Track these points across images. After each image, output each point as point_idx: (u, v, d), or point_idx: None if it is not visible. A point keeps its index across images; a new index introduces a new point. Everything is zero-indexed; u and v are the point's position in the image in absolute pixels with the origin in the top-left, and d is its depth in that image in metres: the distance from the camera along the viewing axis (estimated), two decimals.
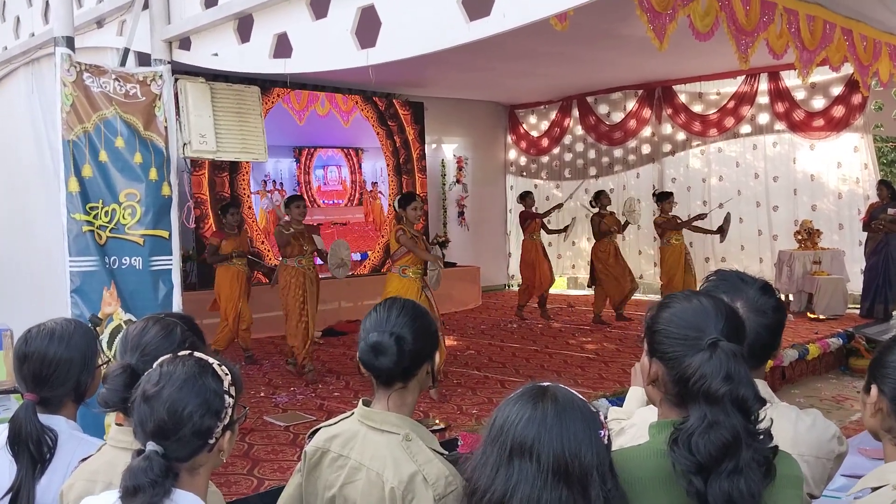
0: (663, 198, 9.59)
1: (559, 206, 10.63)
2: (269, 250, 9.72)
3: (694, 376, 1.41)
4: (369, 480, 1.77)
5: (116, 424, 1.87)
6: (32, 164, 5.33)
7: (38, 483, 1.98)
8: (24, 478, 1.95)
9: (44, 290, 5.25)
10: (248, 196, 9.88)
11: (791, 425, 1.85)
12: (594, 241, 10.03)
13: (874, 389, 1.58)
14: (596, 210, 9.83)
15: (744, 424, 1.37)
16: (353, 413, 1.92)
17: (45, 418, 2.03)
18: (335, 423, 1.94)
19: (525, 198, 10.28)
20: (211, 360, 1.60)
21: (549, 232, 10.39)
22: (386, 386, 1.85)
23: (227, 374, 1.58)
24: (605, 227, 9.70)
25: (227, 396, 1.56)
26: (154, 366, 1.59)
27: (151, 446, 1.48)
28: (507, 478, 1.28)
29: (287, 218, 7.23)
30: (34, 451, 1.96)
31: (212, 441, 1.54)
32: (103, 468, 1.81)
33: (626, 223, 10.00)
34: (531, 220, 10.16)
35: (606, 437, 1.34)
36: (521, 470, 1.27)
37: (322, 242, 7.41)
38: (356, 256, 10.69)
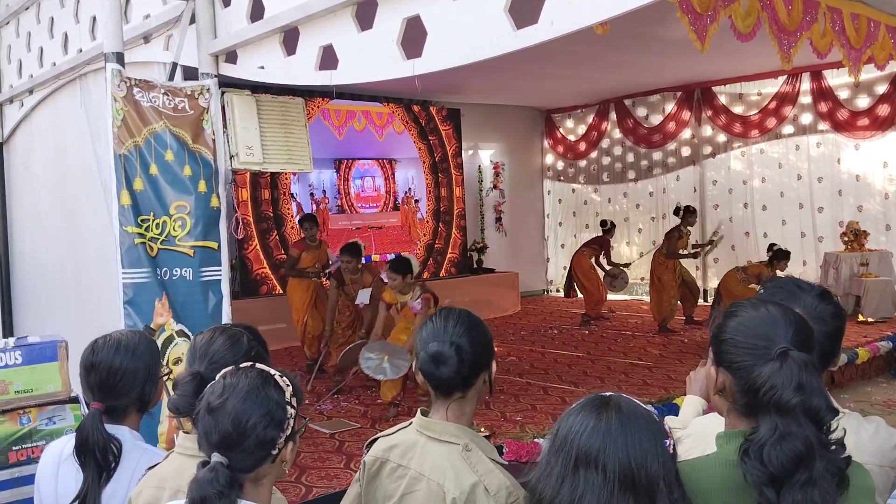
0: (688, 213, 9.39)
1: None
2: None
3: (764, 387, 1.38)
4: (430, 491, 1.78)
5: (184, 432, 1.90)
6: (81, 178, 5.46)
7: (104, 491, 2.02)
8: (90, 486, 1.99)
9: (93, 301, 5.36)
10: (290, 209, 10.08)
11: (853, 433, 1.81)
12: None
13: None
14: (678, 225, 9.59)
15: (816, 435, 1.35)
16: (410, 423, 1.93)
17: (111, 428, 2.07)
18: (393, 434, 1.95)
19: (612, 229, 10.59)
20: (273, 371, 1.62)
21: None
22: (445, 396, 1.85)
23: (288, 385, 1.59)
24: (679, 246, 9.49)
25: (289, 407, 1.56)
26: (217, 377, 1.61)
27: (217, 457, 1.49)
28: (572, 488, 1.27)
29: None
30: (100, 459, 2.00)
31: (275, 452, 1.55)
32: (171, 475, 1.84)
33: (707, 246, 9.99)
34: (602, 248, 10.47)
35: (672, 447, 1.33)
36: (587, 480, 1.27)
37: (334, 257, 7.44)
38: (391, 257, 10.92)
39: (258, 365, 1.63)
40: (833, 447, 1.39)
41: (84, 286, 5.64)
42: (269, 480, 1.59)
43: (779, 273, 8.32)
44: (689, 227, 9.50)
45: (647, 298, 10.66)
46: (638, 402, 1.38)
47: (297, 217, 8.48)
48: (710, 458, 1.48)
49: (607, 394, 1.39)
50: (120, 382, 2.11)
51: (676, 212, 9.67)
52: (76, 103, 5.48)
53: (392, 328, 6.37)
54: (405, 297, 6.07)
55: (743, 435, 1.41)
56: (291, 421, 1.57)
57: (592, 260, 10.46)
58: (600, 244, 10.56)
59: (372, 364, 5.62)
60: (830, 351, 1.89)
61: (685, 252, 9.51)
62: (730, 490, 1.42)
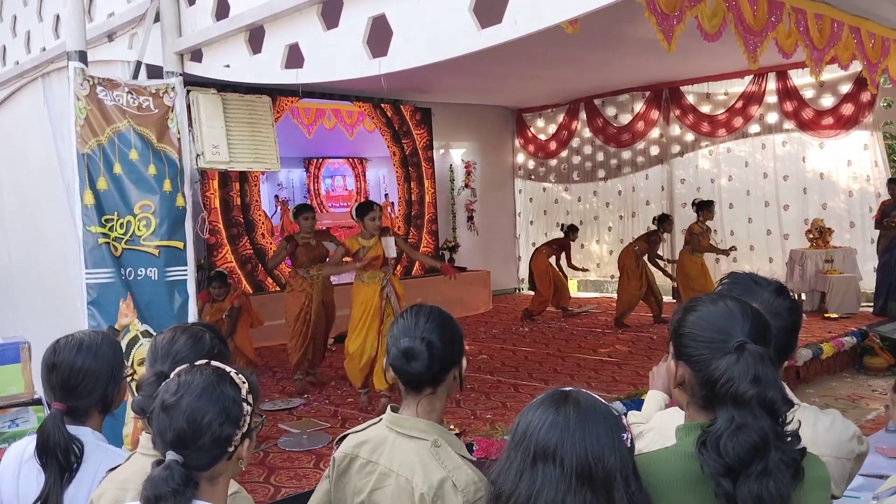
0: (704, 206, 9.36)
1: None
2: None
3: (721, 379, 1.41)
4: (399, 486, 1.79)
5: (146, 433, 1.89)
6: (43, 178, 5.37)
7: (66, 492, 2.00)
8: (52, 487, 1.97)
9: (56, 302, 5.28)
10: (258, 205, 10.02)
11: (810, 426, 1.84)
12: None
13: None
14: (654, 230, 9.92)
15: (772, 426, 1.37)
16: (381, 419, 1.93)
17: (72, 429, 2.05)
18: (363, 430, 1.95)
19: (572, 232, 10.75)
20: (228, 368, 1.61)
21: (658, 266, 10.01)
22: (415, 392, 1.86)
23: (244, 382, 1.59)
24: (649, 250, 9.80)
25: (244, 404, 1.56)
26: (171, 376, 1.60)
27: (171, 455, 1.49)
28: (531, 482, 1.29)
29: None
30: (62, 460, 1.98)
31: (231, 449, 1.54)
32: (134, 476, 1.82)
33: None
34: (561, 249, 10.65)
35: (629, 441, 1.35)
36: (544, 474, 1.29)
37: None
38: None
39: (213, 363, 1.62)
40: (788, 439, 1.41)
41: (47, 287, 5.55)
42: (224, 478, 1.59)
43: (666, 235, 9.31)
44: (666, 234, 9.85)
45: (615, 296, 10.80)
46: (597, 396, 1.39)
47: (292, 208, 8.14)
48: (669, 451, 1.50)
49: (566, 389, 1.41)
50: (82, 383, 2.08)
51: (654, 220, 10.06)
52: (39, 102, 5.39)
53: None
54: (368, 241, 6.26)
55: (701, 427, 1.43)
56: (248, 418, 1.56)
57: (552, 260, 10.63)
58: (560, 245, 10.77)
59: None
60: (787, 345, 1.92)
61: (663, 266, 9.94)
62: (688, 482, 1.44)
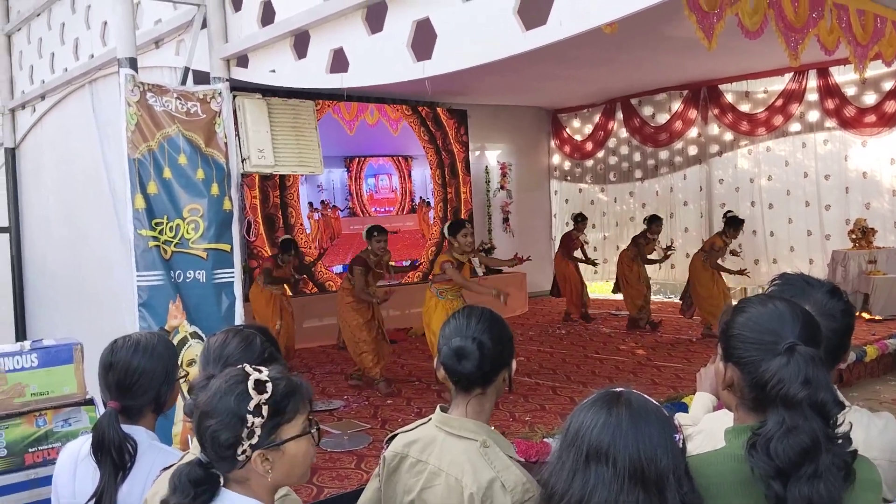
0: (733, 224, 8.91)
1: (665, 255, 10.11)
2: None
3: (771, 381, 1.41)
4: (448, 486, 1.81)
5: None
6: (88, 183, 5.50)
7: (120, 490, 2.05)
8: (106, 484, 2.01)
9: (98, 305, 5.40)
10: (297, 209, 10.10)
11: (863, 429, 1.83)
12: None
13: None
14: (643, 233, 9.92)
15: (823, 429, 1.37)
16: (430, 419, 1.96)
17: (126, 427, 2.09)
18: (413, 429, 1.99)
19: (578, 221, 10.64)
20: (256, 375, 1.58)
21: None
22: (465, 392, 1.89)
23: (263, 393, 1.55)
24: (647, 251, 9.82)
25: (249, 416, 1.53)
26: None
27: (198, 454, 1.59)
28: (583, 482, 1.30)
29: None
30: (116, 457, 2.02)
31: (240, 458, 1.54)
32: None
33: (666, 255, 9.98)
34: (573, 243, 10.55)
35: (682, 441, 1.35)
36: (597, 474, 1.29)
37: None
38: (405, 263, 10.98)
39: (246, 367, 1.62)
40: (839, 441, 1.40)
41: (89, 291, 5.68)
42: (256, 484, 1.58)
43: (733, 241, 8.92)
44: (654, 235, 9.77)
45: (655, 298, 10.75)
46: (648, 397, 1.40)
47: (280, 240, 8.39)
48: (719, 453, 1.51)
49: (618, 389, 1.42)
50: (137, 382, 2.14)
51: (645, 221, 10.10)
52: (86, 108, 5.52)
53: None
54: (463, 258, 6.59)
55: (751, 429, 1.44)
56: (257, 430, 1.54)
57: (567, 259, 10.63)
58: (564, 243, 10.74)
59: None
60: (840, 346, 1.91)
61: (654, 257, 9.92)
62: (738, 484, 1.44)
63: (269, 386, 1.57)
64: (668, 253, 9.87)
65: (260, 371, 1.61)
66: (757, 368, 1.46)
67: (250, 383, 1.56)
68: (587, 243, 11.03)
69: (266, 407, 1.54)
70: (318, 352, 8.82)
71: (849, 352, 1.97)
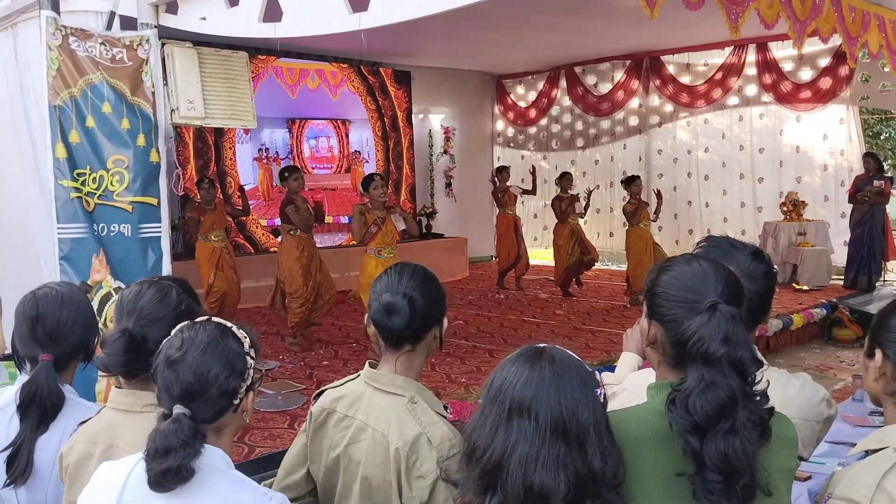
0: (631, 181, 9.22)
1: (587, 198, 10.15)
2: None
3: (692, 338, 1.41)
4: (374, 441, 1.80)
5: (116, 387, 1.88)
6: (7, 131, 5.23)
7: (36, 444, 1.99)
8: (26, 437, 1.98)
9: (20, 257, 5.17)
10: (233, 165, 9.92)
11: (780, 388, 1.87)
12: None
13: (878, 354, 1.59)
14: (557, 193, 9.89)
15: (740, 386, 1.39)
16: (359, 375, 1.94)
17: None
18: (341, 385, 1.96)
19: (500, 172, 10.44)
20: (229, 323, 1.63)
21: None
22: (395, 348, 1.87)
23: (245, 337, 1.62)
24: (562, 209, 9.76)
25: (248, 357, 1.59)
26: (174, 332, 1.61)
27: (179, 409, 1.50)
28: (506, 436, 1.30)
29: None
30: (48, 409, 2.00)
31: (236, 402, 1.58)
32: (103, 430, 1.82)
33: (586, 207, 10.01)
34: (505, 195, 10.35)
35: (603, 396, 1.36)
36: (519, 428, 1.29)
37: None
38: (344, 220, 11.12)
39: (214, 318, 1.64)
40: (757, 398, 1.43)
41: (6, 242, 5.43)
42: (230, 430, 1.62)
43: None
44: (568, 192, 9.74)
45: (596, 266, 10.84)
46: (571, 353, 1.40)
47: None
48: (640, 408, 1.51)
49: (541, 345, 1.41)
50: (69, 332, 2.10)
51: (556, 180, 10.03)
52: (7, 52, 5.23)
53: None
54: (382, 213, 6.51)
55: (671, 385, 1.45)
56: (251, 371, 1.60)
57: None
58: (494, 195, 10.60)
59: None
60: (761, 308, 1.95)
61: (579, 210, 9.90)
62: (658, 439, 1.45)
63: (244, 331, 1.62)
64: (587, 196, 9.96)
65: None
66: (679, 326, 1.47)
67: (234, 329, 1.60)
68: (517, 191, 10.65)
69: (252, 349, 1.61)
70: (254, 312, 8.70)
71: (770, 313, 2.00)
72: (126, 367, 1.81)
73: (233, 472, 1.56)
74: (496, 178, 10.48)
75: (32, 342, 2.09)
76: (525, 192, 10.64)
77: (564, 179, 9.84)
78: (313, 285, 6.98)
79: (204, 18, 3.82)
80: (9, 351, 3.33)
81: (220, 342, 1.56)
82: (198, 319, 1.64)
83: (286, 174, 7.14)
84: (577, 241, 9.75)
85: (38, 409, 1.99)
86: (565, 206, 9.73)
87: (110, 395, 1.91)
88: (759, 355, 1.70)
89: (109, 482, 1.54)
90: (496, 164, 13.55)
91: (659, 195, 9.40)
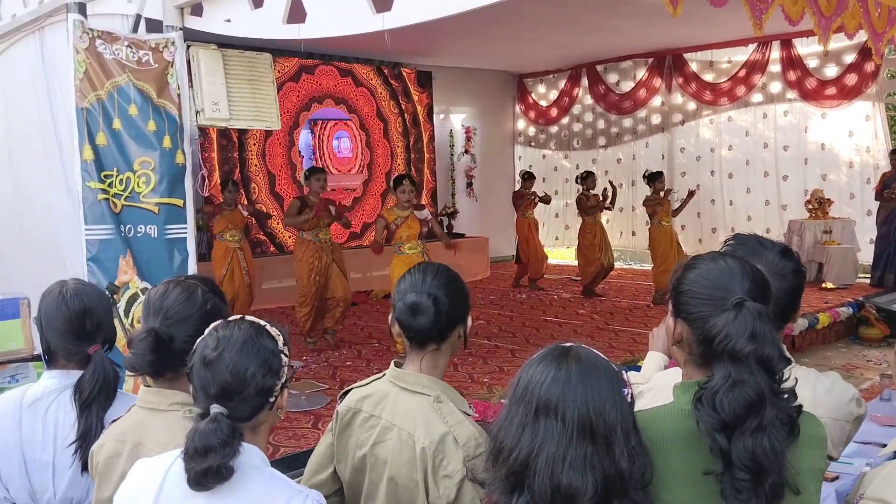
0: (655, 178, 9.19)
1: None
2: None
3: (719, 336, 1.40)
4: (400, 440, 1.80)
5: (144, 386, 1.90)
6: (36, 133, 5.29)
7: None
8: (94, 424, 2.04)
9: (42, 259, 5.23)
10: (258, 167, 9.98)
11: (810, 388, 1.86)
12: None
13: None
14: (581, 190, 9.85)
15: (768, 383, 1.37)
16: (384, 374, 1.94)
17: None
18: (367, 384, 1.97)
19: (525, 179, 10.46)
20: (262, 322, 1.64)
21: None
22: (420, 347, 1.87)
23: (279, 335, 1.63)
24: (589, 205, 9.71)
25: (282, 355, 1.60)
26: (208, 331, 1.62)
27: (216, 408, 1.51)
28: (532, 436, 1.29)
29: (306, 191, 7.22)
30: (112, 390, 2.08)
31: (272, 399, 1.58)
32: (132, 428, 1.84)
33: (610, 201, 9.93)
34: (525, 199, 10.35)
35: (630, 396, 1.35)
36: (546, 429, 1.29)
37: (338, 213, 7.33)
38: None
39: (248, 317, 1.65)
40: (784, 395, 1.41)
41: (33, 244, 5.50)
42: (265, 428, 1.64)
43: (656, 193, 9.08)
44: (592, 192, 9.70)
45: (615, 265, 10.74)
46: (598, 352, 1.39)
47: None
48: (667, 408, 1.51)
49: (567, 344, 1.41)
50: (108, 321, 2.21)
51: (577, 179, 10.04)
52: (34, 57, 5.30)
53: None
54: (404, 213, 6.60)
55: (698, 384, 1.44)
56: (285, 368, 1.61)
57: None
58: (514, 201, 10.58)
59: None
60: (789, 306, 1.93)
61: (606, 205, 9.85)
62: (685, 438, 1.44)
63: (276, 328, 1.64)
64: (611, 194, 9.86)
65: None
66: (705, 324, 1.46)
67: (267, 327, 1.62)
68: (536, 197, 10.57)
69: (286, 346, 1.63)
70: (277, 313, 8.75)
71: (798, 312, 1.98)
72: (153, 367, 1.83)
73: (269, 469, 1.57)
74: (524, 185, 10.47)
75: (80, 337, 2.13)
76: (541, 200, 10.62)
77: (588, 180, 9.77)
78: (318, 290, 6.99)
79: (228, 20, 3.85)
80: (37, 351, 3.39)
81: (256, 341, 1.57)
82: (231, 318, 1.64)
83: (308, 174, 7.22)
84: (604, 241, 9.71)
85: (105, 397, 2.06)
86: (594, 202, 9.69)
87: (139, 393, 1.93)
88: (787, 353, 1.69)
89: (146, 481, 1.55)
90: (517, 164, 13.58)
91: (690, 194, 9.40)
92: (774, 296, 1.77)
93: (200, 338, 1.62)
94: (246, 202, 8.90)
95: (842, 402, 1.92)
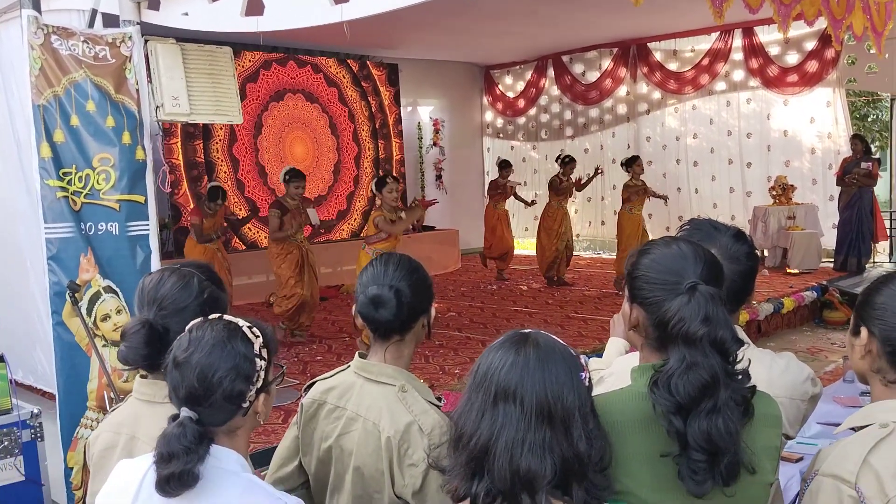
0: (632, 162, 9.15)
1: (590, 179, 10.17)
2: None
3: (673, 319, 1.42)
4: (365, 430, 1.80)
5: (140, 377, 1.85)
6: None
7: None
8: None
9: (5, 258, 5.15)
10: (223, 161, 9.85)
11: (765, 368, 1.88)
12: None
13: (864, 331, 1.57)
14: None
15: (722, 365, 1.39)
16: (349, 366, 1.94)
17: None
18: (331, 376, 1.96)
19: (502, 168, 10.31)
20: (241, 322, 1.56)
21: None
22: (383, 339, 1.87)
23: (258, 337, 1.54)
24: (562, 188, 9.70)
25: (258, 359, 1.52)
26: (185, 330, 1.55)
27: (185, 412, 1.46)
28: (492, 422, 1.30)
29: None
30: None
31: (245, 405, 1.51)
32: (128, 420, 1.81)
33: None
34: (500, 191, 10.25)
35: (587, 380, 1.37)
36: (505, 413, 1.30)
37: (317, 216, 7.26)
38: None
39: (226, 317, 1.57)
40: (738, 377, 1.43)
41: None
42: (244, 431, 1.57)
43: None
44: (569, 176, 9.71)
45: (584, 255, 10.82)
46: (556, 337, 1.41)
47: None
48: (624, 392, 1.52)
49: (526, 330, 1.42)
50: None
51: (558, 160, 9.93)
52: None
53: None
54: (392, 215, 6.64)
55: (654, 368, 1.45)
56: (262, 373, 1.52)
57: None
58: (491, 191, 10.46)
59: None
60: (743, 289, 1.95)
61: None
62: (642, 421, 1.46)
63: (257, 329, 1.56)
64: (590, 177, 9.95)
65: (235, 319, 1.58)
66: (660, 308, 1.47)
67: (245, 329, 1.54)
68: (515, 186, 10.52)
69: (265, 349, 1.54)
70: (247, 309, 8.67)
71: (753, 294, 2.01)
72: (147, 361, 1.75)
73: (246, 475, 1.51)
74: (500, 174, 10.31)
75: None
76: (523, 202, 10.60)
77: (569, 165, 9.66)
78: (304, 286, 6.95)
79: (186, 14, 3.79)
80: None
81: (227, 344, 1.49)
82: (210, 317, 1.57)
83: (288, 178, 7.04)
84: (565, 227, 9.70)
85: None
86: (567, 186, 9.67)
87: (135, 384, 1.86)
88: (742, 335, 1.71)
89: (126, 483, 1.51)
90: (486, 156, 13.60)
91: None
92: (728, 279, 1.79)
93: (180, 335, 1.56)
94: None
95: (797, 381, 1.95)
